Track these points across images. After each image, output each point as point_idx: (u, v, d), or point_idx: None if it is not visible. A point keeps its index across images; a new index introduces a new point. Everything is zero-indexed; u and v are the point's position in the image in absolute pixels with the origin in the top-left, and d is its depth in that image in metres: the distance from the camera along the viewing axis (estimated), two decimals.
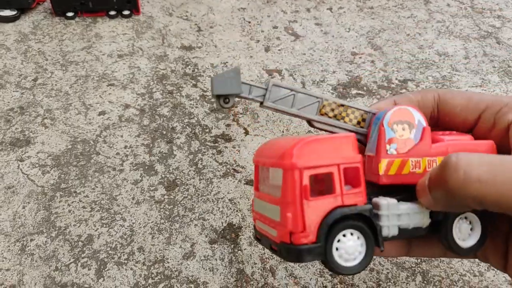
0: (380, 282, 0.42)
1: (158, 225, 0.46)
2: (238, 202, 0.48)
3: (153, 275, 0.42)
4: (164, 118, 0.57)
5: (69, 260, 0.43)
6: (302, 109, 0.30)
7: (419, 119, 0.29)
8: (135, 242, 0.45)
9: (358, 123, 0.30)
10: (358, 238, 0.27)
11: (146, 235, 0.45)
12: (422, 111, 0.32)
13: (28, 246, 0.44)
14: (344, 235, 0.27)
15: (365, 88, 0.62)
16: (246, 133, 0.56)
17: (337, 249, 0.27)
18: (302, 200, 0.26)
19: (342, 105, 0.30)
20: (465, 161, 0.24)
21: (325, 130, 0.31)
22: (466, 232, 0.30)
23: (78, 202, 0.48)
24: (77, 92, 0.60)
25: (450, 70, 0.65)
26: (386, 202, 0.28)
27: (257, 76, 0.64)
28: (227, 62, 0.66)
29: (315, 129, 0.32)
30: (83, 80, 0.62)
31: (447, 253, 0.34)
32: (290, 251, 0.26)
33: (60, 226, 0.46)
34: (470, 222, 0.30)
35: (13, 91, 0.60)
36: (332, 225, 0.26)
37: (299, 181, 0.26)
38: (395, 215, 0.28)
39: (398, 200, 0.29)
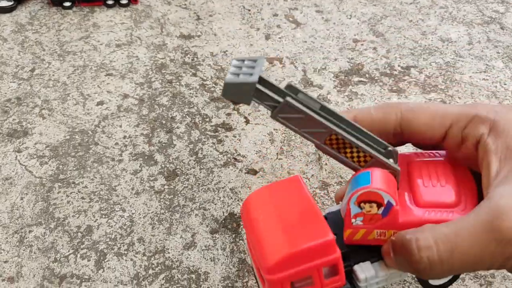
0: None
1: (158, 215, 0.45)
2: (239, 192, 0.48)
3: (153, 266, 0.42)
4: (164, 108, 0.57)
5: (68, 251, 0.42)
6: (310, 132, 0.29)
7: (389, 199, 0.29)
8: (135, 233, 0.44)
9: (360, 162, 0.30)
10: None
11: (146, 225, 0.45)
12: (383, 129, 0.31)
13: (26, 238, 0.43)
14: None
15: (367, 75, 0.61)
16: (247, 122, 0.55)
17: None
18: None
19: (348, 143, 0.29)
20: (425, 245, 0.26)
21: (327, 155, 0.31)
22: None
23: (76, 193, 0.47)
24: (75, 82, 0.59)
25: (454, 56, 0.64)
26: (363, 276, 0.30)
27: None
28: (226, 51, 0.65)
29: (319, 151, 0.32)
30: (81, 70, 0.61)
31: None
32: None
33: (58, 217, 0.45)
34: None
35: (10, 82, 0.59)
36: None
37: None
38: (374, 283, 0.30)
39: (372, 262, 0.30)
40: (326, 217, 0.31)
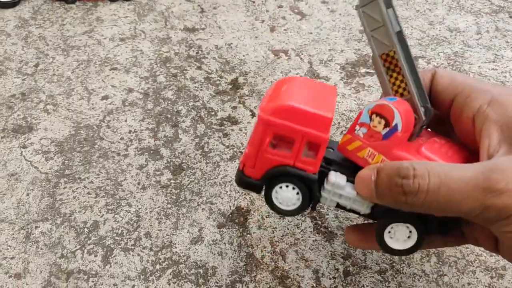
0: (394, 264, 0.41)
1: (165, 210, 0.45)
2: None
3: (160, 261, 0.41)
4: (169, 102, 0.56)
5: (75, 247, 0.42)
6: (375, 40, 0.31)
7: (398, 123, 0.30)
8: (141, 228, 0.44)
9: (397, 91, 0.32)
10: (297, 193, 0.32)
11: (152, 220, 0.44)
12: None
13: (32, 234, 0.43)
14: (286, 186, 0.32)
15: (374, 66, 0.60)
16: (253, 115, 0.55)
17: (276, 192, 0.32)
18: (261, 147, 0.31)
19: (400, 68, 0.31)
20: (420, 174, 0.27)
21: (375, 69, 0.33)
22: (402, 237, 0.32)
23: (82, 188, 0.47)
24: (79, 77, 0.59)
25: (462, 46, 0.63)
26: (333, 180, 0.31)
27: (263, 57, 0.62)
28: (231, 43, 0.64)
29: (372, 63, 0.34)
30: (85, 65, 0.60)
31: (469, 239, 0.33)
32: (238, 176, 0.33)
33: (65, 213, 0.45)
34: (410, 230, 0.32)
35: (14, 78, 0.58)
36: (277, 175, 0.32)
37: (264, 133, 0.30)
38: (337, 194, 0.32)
39: (347, 180, 0.32)
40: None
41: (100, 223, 0.44)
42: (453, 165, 0.28)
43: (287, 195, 0.32)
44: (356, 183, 0.31)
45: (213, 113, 0.55)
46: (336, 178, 0.32)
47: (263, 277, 0.40)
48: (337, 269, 0.41)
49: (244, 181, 0.33)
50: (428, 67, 0.60)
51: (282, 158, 0.31)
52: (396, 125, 0.30)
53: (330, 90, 0.33)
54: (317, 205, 0.33)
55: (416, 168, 0.27)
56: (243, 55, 0.62)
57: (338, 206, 0.33)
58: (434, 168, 0.27)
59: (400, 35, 0.31)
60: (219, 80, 0.59)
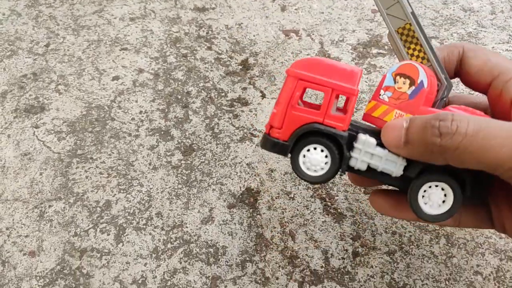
0: (403, 245, 0.41)
1: (176, 190, 0.46)
2: (256, 167, 0.47)
3: (172, 240, 0.42)
4: (179, 82, 0.56)
5: (88, 225, 0.43)
6: (390, 16, 0.32)
7: (423, 79, 0.30)
8: (153, 208, 0.44)
9: (416, 60, 0.32)
10: (326, 156, 0.31)
11: (164, 200, 0.45)
12: (447, 66, 0.33)
13: (46, 212, 0.44)
14: (315, 148, 0.31)
15: (386, 47, 0.60)
16: (263, 96, 0.55)
17: (304, 156, 0.32)
18: (289, 105, 0.31)
19: (417, 39, 0.32)
20: (459, 118, 0.26)
21: (392, 46, 0.33)
22: (437, 201, 0.31)
23: (95, 168, 0.47)
24: (90, 57, 0.59)
25: (476, 26, 0.62)
26: (364, 138, 0.31)
27: (274, 37, 0.62)
28: (242, 23, 0.64)
29: (389, 40, 0.34)
30: (95, 45, 0.60)
31: (496, 226, 0.33)
32: (264, 139, 0.32)
33: (77, 192, 0.45)
34: (445, 194, 0.31)
35: (26, 57, 0.59)
36: (306, 135, 0.31)
37: (293, 88, 0.30)
38: (369, 153, 0.31)
39: (377, 144, 0.31)
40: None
41: (112, 202, 0.45)
42: (491, 119, 0.27)
43: (315, 157, 0.31)
44: (384, 132, 0.30)
45: (223, 94, 0.55)
46: (366, 137, 0.31)
47: (273, 257, 0.41)
48: (346, 250, 0.41)
49: (270, 142, 0.32)
50: (448, 43, 0.59)
51: (311, 115, 0.31)
52: (421, 82, 0.30)
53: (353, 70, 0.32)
54: (346, 170, 0.32)
55: (455, 114, 0.27)
56: (254, 35, 0.62)
57: (368, 170, 0.32)
58: (473, 116, 0.27)
59: (413, 15, 0.32)
60: (230, 61, 0.59)
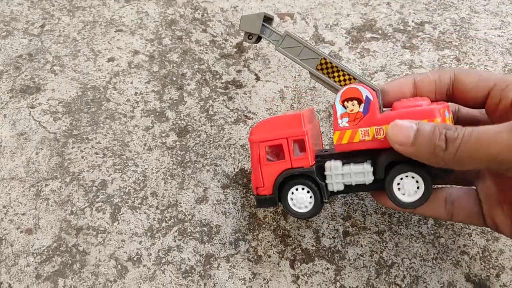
0: (392, 225, 0.43)
1: (171, 171, 0.46)
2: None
3: (166, 219, 0.43)
4: (174, 64, 0.56)
5: (84, 204, 0.44)
6: (305, 60, 0.36)
7: (367, 94, 0.34)
8: (148, 187, 0.45)
9: (345, 84, 0.36)
10: (307, 192, 0.37)
11: (158, 180, 0.46)
12: (439, 88, 0.36)
13: (43, 191, 0.45)
14: (296, 189, 0.37)
15: (380, 31, 0.60)
16: (257, 79, 0.55)
17: (291, 199, 0.37)
18: (260, 165, 0.37)
19: (336, 67, 0.36)
20: (462, 128, 0.30)
21: (319, 83, 0.38)
22: (411, 189, 0.35)
23: (90, 148, 0.48)
24: (85, 38, 0.59)
25: (469, 11, 0.62)
26: (329, 165, 0.36)
27: None
28: (237, 6, 0.64)
29: (313, 80, 0.38)
30: (90, 26, 0.60)
31: (487, 222, 0.36)
32: (257, 200, 0.38)
33: (73, 172, 0.46)
34: (416, 181, 0.35)
35: (21, 38, 0.59)
36: (284, 182, 0.36)
37: (258, 151, 0.36)
38: (339, 174, 0.36)
39: (344, 164, 0.36)
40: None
41: (108, 182, 0.45)
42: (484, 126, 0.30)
43: (300, 196, 0.37)
44: (392, 131, 0.32)
45: (218, 76, 0.55)
46: (331, 163, 0.36)
47: (265, 235, 0.42)
48: (337, 230, 0.42)
49: (261, 200, 0.37)
50: (434, 33, 0.60)
51: (280, 166, 0.36)
52: (366, 96, 0.34)
53: (294, 119, 0.37)
54: (329, 196, 0.37)
55: (458, 126, 0.30)
56: None
57: (346, 189, 0.36)
58: (472, 127, 0.30)
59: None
60: (224, 44, 0.59)
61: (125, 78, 0.55)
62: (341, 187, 0.36)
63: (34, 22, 0.61)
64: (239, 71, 0.56)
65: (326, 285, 0.39)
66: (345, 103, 0.34)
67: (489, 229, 0.42)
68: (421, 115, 0.33)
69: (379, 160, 0.34)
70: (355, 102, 0.34)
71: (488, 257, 0.41)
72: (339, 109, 0.34)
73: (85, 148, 0.48)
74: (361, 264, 0.40)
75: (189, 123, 0.50)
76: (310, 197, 0.37)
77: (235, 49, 0.58)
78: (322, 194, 0.37)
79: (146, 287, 0.39)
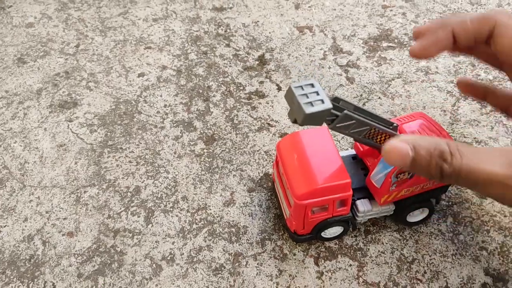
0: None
1: (199, 176, 0.49)
2: (273, 154, 0.51)
3: (197, 221, 0.46)
4: (200, 78, 0.60)
5: (120, 208, 0.47)
6: (356, 132, 0.35)
7: None
8: (179, 192, 0.48)
9: (381, 143, 0.38)
10: (339, 227, 0.42)
11: (188, 185, 0.48)
12: (478, 37, 0.34)
13: (82, 197, 0.48)
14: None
15: (396, 40, 0.62)
16: (279, 89, 0.58)
17: (324, 232, 0.43)
18: (304, 219, 0.40)
19: (379, 132, 0.36)
20: (457, 157, 0.29)
21: (363, 143, 0.39)
22: (417, 215, 0.44)
23: (124, 157, 0.51)
24: (117, 56, 0.63)
25: None
26: (362, 209, 0.41)
27: (288, 34, 0.65)
28: (258, 21, 0.67)
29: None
30: (121, 45, 0.65)
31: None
32: (295, 236, 0.42)
33: (109, 179, 0.49)
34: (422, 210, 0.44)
35: (58, 57, 0.63)
36: (323, 227, 0.41)
37: (304, 210, 0.39)
38: (369, 214, 0.42)
39: (370, 200, 0.42)
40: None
41: (141, 188, 0.48)
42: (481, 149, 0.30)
43: (333, 231, 0.43)
44: (388, 153, 0.30)
45: (241, 87, 0.58)
46: (363, 206, 0.41)
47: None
48: (359, 229, 0.44)
49: (300, 239, 0.43)
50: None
51: (322, 216, 0.40)
52: None
53: (326, 138, 0.41)
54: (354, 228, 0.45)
55: (454, 154, 0.29)
56: (269, 32, 0.65)
57: (369, 219, 0.45)
58: (467, 151, 0.29)
59: (357, 109, 0.35)
60: (247, 57, 0.62)
61: (155, 91, 0.58)
62: (366, 219, 0.44)
63: (69, 42, 0.65)
64: (261, 82, 0.59)
65: (349, 280, 0.41)
66: (399, 175, 0.38)
67: (506, 226, 0.44)
68: None
69: (405, 202, 0.42)
70: (406, 174, 0.39)
71: (506, 252, 0.42)
72: (393, 180, 0.39)
73: (119, 157, 0.51)
74: (383, 260, 0.42)
75: (215, 132, 0.53)
76: (340, 229, 0.43)
77: (257, 62, 0.62)
78: (351, 227, 0.43)
79: (180, 284, 0.41)
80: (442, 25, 0.34)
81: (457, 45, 0.35)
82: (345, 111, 0.33)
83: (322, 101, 0.31)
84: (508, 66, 0.34)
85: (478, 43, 0.34)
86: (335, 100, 0.34)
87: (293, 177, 0.39)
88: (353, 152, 0.44)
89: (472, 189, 0.29)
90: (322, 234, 0.42)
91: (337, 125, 0.33)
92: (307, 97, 0.31)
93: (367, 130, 0.35)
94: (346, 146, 0.51)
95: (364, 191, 0.42)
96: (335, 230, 0.43)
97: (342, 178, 0.38)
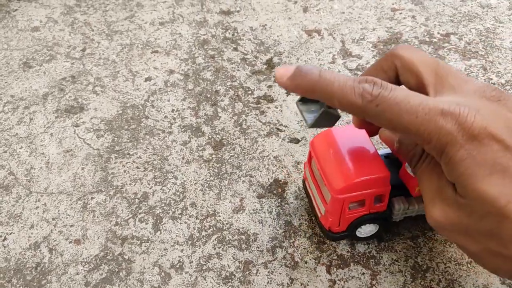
0: (426, 231, 0.43)
1: (208, 182, 0.48)
2: (283, 159, 0.50)
3: (206, 228, 0.45)
4: (208, 82, 0.59)
5: (128, 215, 0.46)
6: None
7: None
8: (187, 198, 0.47)
9: None
10: (374, 225, 0.42)
11: (197, 191, 0.48)
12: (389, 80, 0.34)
13: (89, 204, 0.47)
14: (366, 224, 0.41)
15: (406, 44, 0.62)
16: (288, 93, 0.57)
17: (359, 230, 0.42)
18: (341, 214, 0.39)
19: None
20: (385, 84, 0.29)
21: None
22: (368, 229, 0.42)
23: (132, 163, 0.50)
24: (124, 60, 0.62)
25: (494, 22, 0.63)
26: (399, 207, 0.40)
27: (297, 37, 0.64)
28: (266, 25, 0.67)
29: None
30: (128, 49, 0.64)
31: None
32: (329, 234, 0.42)
33: (117, 185, 0.49)
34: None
35: (64, 62, 0.62)
36: (359, 224, 0.41)
37: (341, 206, 0.38)
38: (404, 212, 0.41)
39: (406, 196, 0.40)
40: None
41: (149, 194, 0.48)
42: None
43: (369, 229, 0.42)
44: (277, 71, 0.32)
45: (249, 92, 0.58)
46: (399, 204, 0.40)
47: (301, 242, 0.43)
48: (373, 234, 0.43)
49: (335, 237, 0.42)
50: (460, 43, 0.61)
51: (359, 212, 0.39)
52: None
53: (361, 134, 0.39)
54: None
55: (383, 85, 0.29)
56: (277, 36, 0.65)
57: (405, 218, 0.43)
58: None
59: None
60: (255, 61, 0.62)
61: (162, 96, 0.57)
62: (402, 218, 0.42)
63: (75, 46, 0.65)
64: (269, 86, 0.58)
65: None
66: None
67: None
68: None
69: None
70: None
71: None
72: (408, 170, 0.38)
73: (127, 163, 0.51)
74: (396, 269, 0.41)
75: (224, 137, 0.52)
76: (375, 227, 0.42)
77: (265, 66, 0.61)
78: (387, 225, 0.42)
79: None
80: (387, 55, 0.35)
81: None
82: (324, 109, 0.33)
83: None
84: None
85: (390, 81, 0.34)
86: None
87: (330, 172, 0.38)
88: (387, 150, 0.42)
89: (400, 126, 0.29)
90: (358, 233, 0.42)
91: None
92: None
93: None
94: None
95: (399, 188, 0.40)
96: (371, 229, 0.42)
97: (381, 172, 0.37)
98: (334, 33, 0.64)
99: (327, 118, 0.34)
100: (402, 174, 0.39)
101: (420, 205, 0.40)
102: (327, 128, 0.41)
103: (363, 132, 0.39)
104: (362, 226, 0.41)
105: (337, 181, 0.37)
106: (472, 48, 0.60)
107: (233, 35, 0.65)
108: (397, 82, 0.34)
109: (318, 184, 0.41)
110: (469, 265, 0.41)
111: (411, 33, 0.63)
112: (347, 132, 0.40)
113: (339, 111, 0.33)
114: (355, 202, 0.39)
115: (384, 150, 0.42)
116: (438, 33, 0.63)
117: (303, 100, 0.34)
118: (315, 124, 0.34)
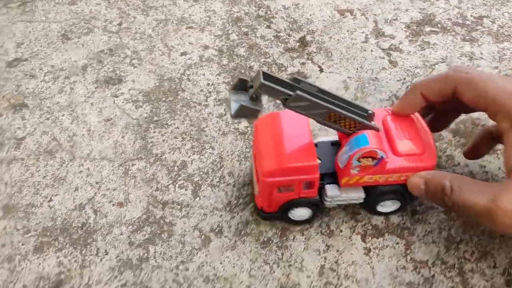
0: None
1: (244, 153, 0.50)
2: (317, 134, 0.51)
3: (243, 196, 0.46)
4: (242, 58, 0.60)
5: (168, 182, 0.48)
6: (315, 113, 0.37)
7: (382, 155, 0.38)
8: (224, 168, 0.49)
9: (350, 128, 0.39)
10: (307, 209, 0.43)
11: (234, 161, 0.49)
12: (444, 97, 0.39)
13: (130, 170, 0.49)
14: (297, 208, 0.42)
15: (439, 25, 0.62)
16: (321, 70, 0.58)
17: (291, 213, 0.43)
18: (271, 196, 0.41)
19: (342, 117, 0.38)
20: (456, 193, 0.36)
21: (327, 127, 0.40)
22: (388, 205, 0.43)
23: (170, 133, 0.52)
24: (159, 34, 0.64)
25: None
26: (330, 194, 0.41)
27: (329, 16, 0.65)
28: (298, 4, 0.67)
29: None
30: (163, 24, 0.65)
31: None
32: (261, 213, 0.43)
33: (156, 153, 0.50)
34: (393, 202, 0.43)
35: (101, 35, 0.64)
36: (290, 207, 0.42)
37: (270, 189, 0.40)
38: (338, 199, 0.42)
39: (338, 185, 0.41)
40: (316, 145, 0.42)
41: (188, 162, 0.49)
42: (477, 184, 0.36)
43: (300, 212, 0.43)
44: (409, 184, 0.40)
45: (283, 68, 0.59)
46: (332, 191, 0.41)
47: (336, 212, 0.45)
48: (405, 208, 0.45)
49: (266, 216, 0.44)
50: (493, 26, 0.61)
51: (289, 196, 0.41)
52: (381, 157, 0.38)
53: (304, 121, 0.41)
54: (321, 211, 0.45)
55: (454, 189, 0.36)
56: (310, 15, 0.66)
57: (339, 205, 0.44)
58: (465, 186, 0.36)
59: (321, 91, 0.37)
60: (288, 38, 0.63)
61: (198, 70, 0.59)
62: (336, 205, 0.43)
63: (112, 21, 0.66)
64: (303, 64, 0.59)
65: (397, 257, 0.41)
66: (362, 159, 0.38)
67: None
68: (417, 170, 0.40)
69: (375, 192, 0.42)
70: (370, 159, 0.38)
71: None
72: (354, 164, 0.39)
73: (165, 133, 0.52)
74: (430, 240, 0.43)
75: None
76: (308, 212, 0.43)
77: (298, 43, 0.62)
78: (319, 210, 0.43)
79: (229, 255, 0.42)
80: (412, 89, 0.41)
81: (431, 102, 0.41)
82: (297, 92, 0.35)
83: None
84: (480, 110, 0.38)
85: (447, 98, 0.39)
86: (294, 80, 0.36)
87: (264, 155, 0.40)
88: (335, 138, 0.43)
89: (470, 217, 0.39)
90: (290, 215, 0.43)
91: (291, 104, 0.36)
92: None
93: (325, 112, 0.37)
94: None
95: (333, 177, 0.41)
96: (303, 213, 0.43)
97: (310, 160, 0.39)
98: (367, 13, 0.65)
99: (247, 111, 0.35)
100: (336, 163, 0.41)
101: (352, 194, 0.42)
102: (271, 112, 0.43)
103: (305, 119, 0.40)
104: (295, 209, 0.42)
105: (268, 165, 0.39)
106: (505, 32, 0.61)
107: (266, 13, 0.66)
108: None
109: (256, 164, 0.42)
110: (501, 238, 0.42)
111: (444, 15, 0.64)
112: (292, 117, 0.40)
113: (263, 102, 0.36)
114: (284, 187, 0.40)
115: (333, 136, 0.44)
116: (471, 15, 0.63)
117: (234, 89, 0.36)
118: (237, 115, 0.35)
